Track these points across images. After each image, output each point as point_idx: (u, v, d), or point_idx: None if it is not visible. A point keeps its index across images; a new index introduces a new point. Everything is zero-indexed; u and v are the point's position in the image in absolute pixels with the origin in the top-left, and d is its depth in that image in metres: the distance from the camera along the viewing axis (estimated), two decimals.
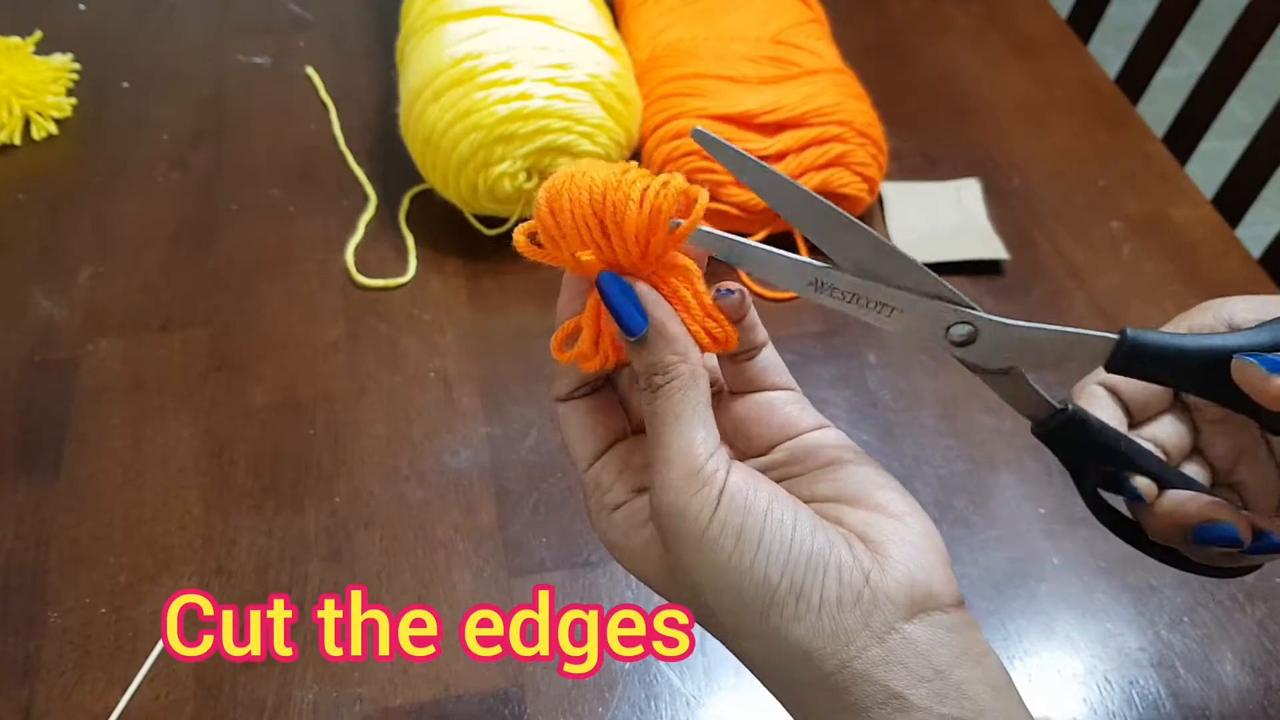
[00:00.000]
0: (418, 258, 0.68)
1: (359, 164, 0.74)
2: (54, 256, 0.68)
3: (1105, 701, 0.51)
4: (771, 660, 0.30)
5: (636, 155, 0.70)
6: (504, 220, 0.68)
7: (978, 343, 0.33)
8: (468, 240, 0.69)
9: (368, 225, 0.70)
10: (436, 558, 0.54)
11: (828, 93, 0.68)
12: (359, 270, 0.67)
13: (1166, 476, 0.36)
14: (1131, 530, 0.38)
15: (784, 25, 0.74)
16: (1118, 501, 0.38)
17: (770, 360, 0.36)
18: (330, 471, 0.58)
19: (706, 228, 0.33)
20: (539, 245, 0.33)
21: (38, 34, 0.80)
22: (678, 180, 0.32)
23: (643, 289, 0.32)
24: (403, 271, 0.68)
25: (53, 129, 0.76)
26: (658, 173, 0.33)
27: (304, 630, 0.52)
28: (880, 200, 0.73)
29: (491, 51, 0.64)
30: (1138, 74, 0.93)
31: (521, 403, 0.61)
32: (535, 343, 0.64)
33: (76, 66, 0.80)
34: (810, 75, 0.70)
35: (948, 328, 0.33)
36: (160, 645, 0.51)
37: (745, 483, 0.30)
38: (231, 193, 0.73)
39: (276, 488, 0.57)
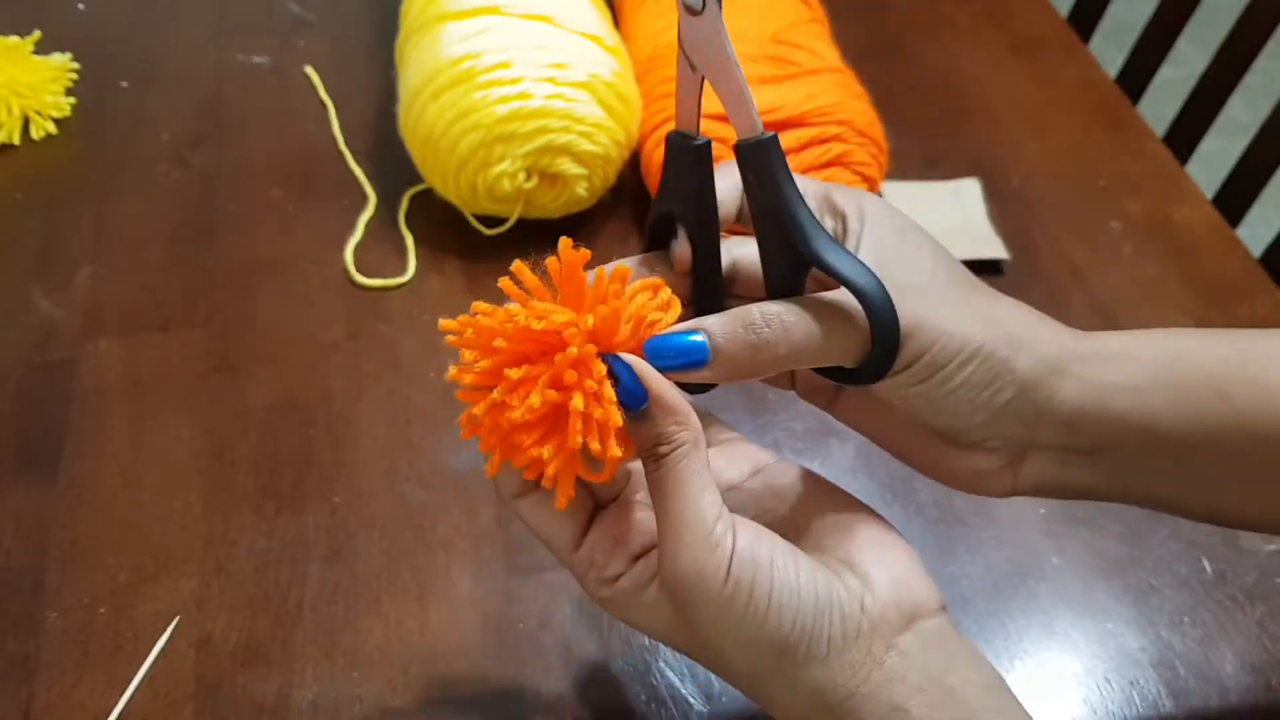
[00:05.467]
0: (417, 257, 0.68)
1: (358, 164, 0.74)
2: (53, 256, 0.68)
3: (1105, 701, 0.51)
4: (785, 700, 0.32)
5: (636, 155, 0.70)
6: (503, 220, 0.68)
7: None
8: (467, 240, 0.69)
9: (367, 225, 0.70)
10: (436, 558, 0.54)
11: (828, 92, 0.68)
12: (358, 270, 0.67)
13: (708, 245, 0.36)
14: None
15: (784, 25, 0.74)
16: None
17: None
18: (330, 472, 0.58)
19: None
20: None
21: (37, 33, 0.80)
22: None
23: (638, 362, 0.32)
24: (402, 271, 0.68)
25: (52, 129, 0.76)
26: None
27: (303, 630, 0.52)
28: None
29: (490, 51, 0.64)
30: (1138, 73, 0.93)
31: None
32: None
33: (75, 66, 0.80)
34: (810, 75, 0.70)
35: None
36: (160, 644, 0.51)
37: (751, 539, 0.31)
38: (231, 192, 0.73)
39: (276, 488, 0.57)
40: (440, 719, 0.49)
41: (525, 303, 0.32)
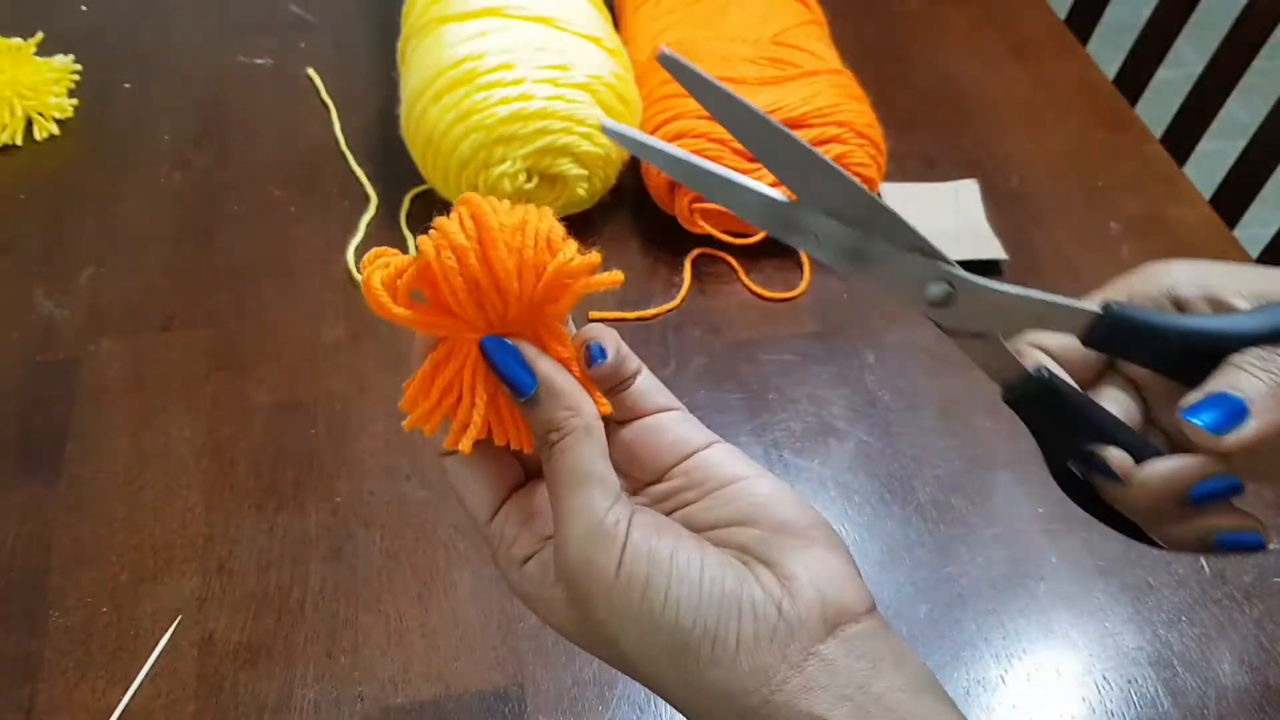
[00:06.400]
0: None
1: (360, 164, 0.75)
2: (56, 257, 0.69)
3: (1104, 700, 0.51)
4: (693, 702, 0.31)
5: (635, 156, 0.70)
6: None
7: (954, 304, 0.32)
8: None
9: (368, 225, 0.71)
10: (437, 557, 0.55)
11: (827, 94, 0.68)
12: (360, 271, 0.68)
13: (1142, 450, 0.35)
14: (1095, 505, 0.37)
15: (783, 26, 0.74)
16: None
17: (647, 385, 0.36)
18: (331, 471, 0.58)
19: (671, 149, 0.30)
20: (414, 301, 0.31)
21: (39, 35, 0.80)
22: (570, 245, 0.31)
23: (525, 347, 0.31)
24: None
25: (54, 130, 0.76)
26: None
27: (305, 629, 0.52)
28: None
29: (492, 52, 0.64)
30: (1136, 74, 0.93)
31: None
32: None
33: (78, 67, 0.80)
34: (809, 76, 0.70)
35: (924, 285, 0.32)
36: (162, 643, 0.51)
37: (648, 531, 0.30)
38: (233, 193, 0.73)
39: (277, 487, 0.57)
40: (440, 718, 0.49)
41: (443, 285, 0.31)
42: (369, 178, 0.73)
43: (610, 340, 0.33)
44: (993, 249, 0.69)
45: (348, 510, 0.56)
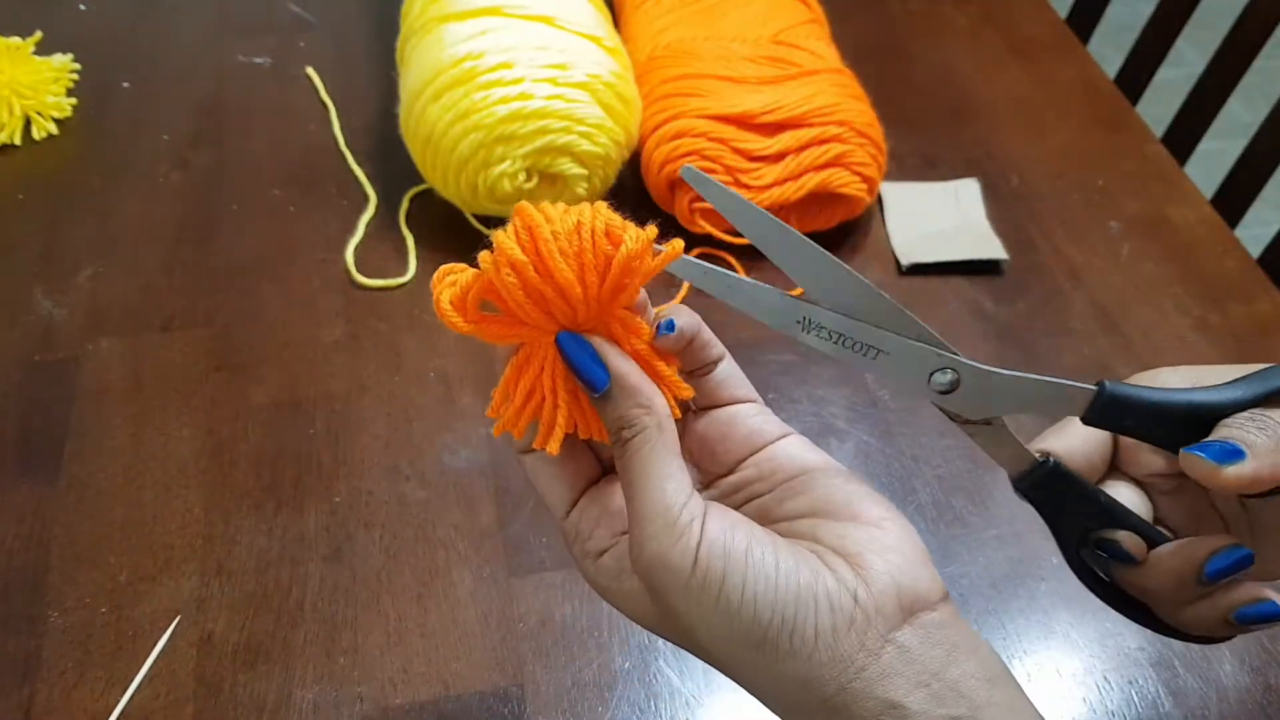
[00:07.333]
0: (418, 258, 0.69)
1: (359, 164, 0.74)
2: (54, 256, 0.69)
3: (1104, 700, 0.51)
4: (771, 689, 0.31)
5: (635, 155, 0.70)
6: (504, 220, 0.68)
7: (960, 390, 0.34)
8: (467, 240, 0.69)
9: (368, 225, 0.70)
10: (436, 557, 0.55)
11: (827, 93, 0.68)
12: (359, 270, 0.68)
13: (1151, 534, 0.36)
14: (1112, 592, 0.38)
15: (784, 25, 0.74)
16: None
17: (729, 373, 0.36)
18: (330, 471, 0.58)
19: (692, 259, 0.33)
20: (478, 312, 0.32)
21: (38, 34, 0.80)
22: (634, 229, 0.31)
23: (599, 342, 0.32)
24: (403, 271, 0.68)
25: (53, 129, 0.76)
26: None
27: (304, 629, 0.52)
28: (879, 200, 0.73)
29: (491, 51, 0.64)
30: (1137, 74, 0.93)
31: None
32: None
33: (77, 66, 0.80)
34: (810, 75, 0.70)
35: (931, 374, 0.33)
36: (161, 644, 0.51)
37: (723, 528, 0.30)
38: (232, 193, 0.73)
39: (277, 487, 0.57)
40: (439, 718, 0.49)
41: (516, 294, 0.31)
42: (368, 177, 0.73)
43: (688, 321, 0.34)
44: (993, 248, 0.69)
45: (347, 510, 0.56)
